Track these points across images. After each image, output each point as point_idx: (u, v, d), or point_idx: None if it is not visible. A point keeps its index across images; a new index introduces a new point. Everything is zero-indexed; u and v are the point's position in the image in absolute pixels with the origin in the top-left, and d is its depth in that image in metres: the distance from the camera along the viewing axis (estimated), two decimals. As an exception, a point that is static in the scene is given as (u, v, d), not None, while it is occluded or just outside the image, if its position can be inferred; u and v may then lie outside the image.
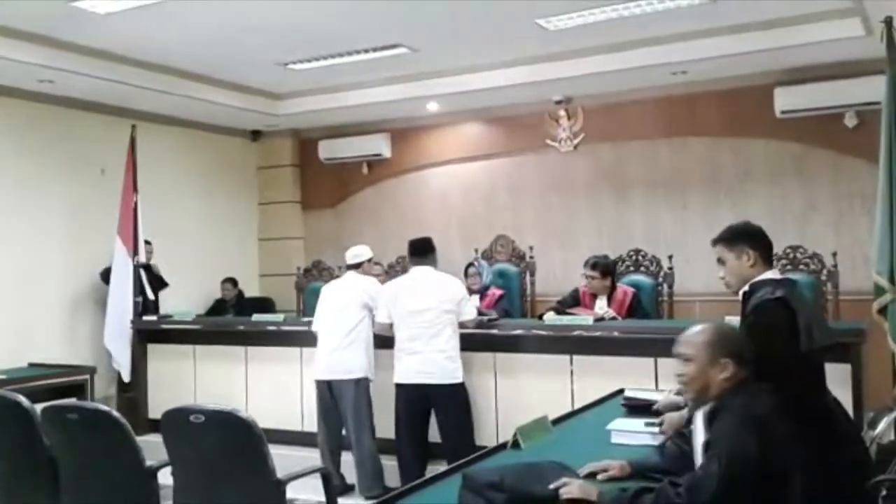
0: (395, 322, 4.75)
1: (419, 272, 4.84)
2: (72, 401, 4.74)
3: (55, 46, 5.83)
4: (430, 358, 4.61)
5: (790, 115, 6.55)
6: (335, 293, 5.15)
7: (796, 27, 5.72)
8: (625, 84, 6.92)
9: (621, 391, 3.56)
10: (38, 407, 3.62)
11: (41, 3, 5.08)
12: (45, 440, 3.56)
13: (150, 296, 6.68)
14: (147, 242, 6.92)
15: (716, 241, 2.79)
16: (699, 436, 2.22)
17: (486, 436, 4.78)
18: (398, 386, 4.71)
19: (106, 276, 6.71)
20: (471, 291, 5.84)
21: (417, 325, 4.65)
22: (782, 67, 6.46)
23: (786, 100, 6.52)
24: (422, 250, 4.90)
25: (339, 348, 4.95)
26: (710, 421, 2.18)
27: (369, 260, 5.28)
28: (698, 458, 2.17)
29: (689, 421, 2.37)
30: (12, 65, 5.78)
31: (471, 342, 4.96)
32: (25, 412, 3.63)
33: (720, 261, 2.76)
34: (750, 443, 2.02)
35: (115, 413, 3.29)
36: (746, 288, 2.64)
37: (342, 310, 5.03)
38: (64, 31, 5.68)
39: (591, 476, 2.27)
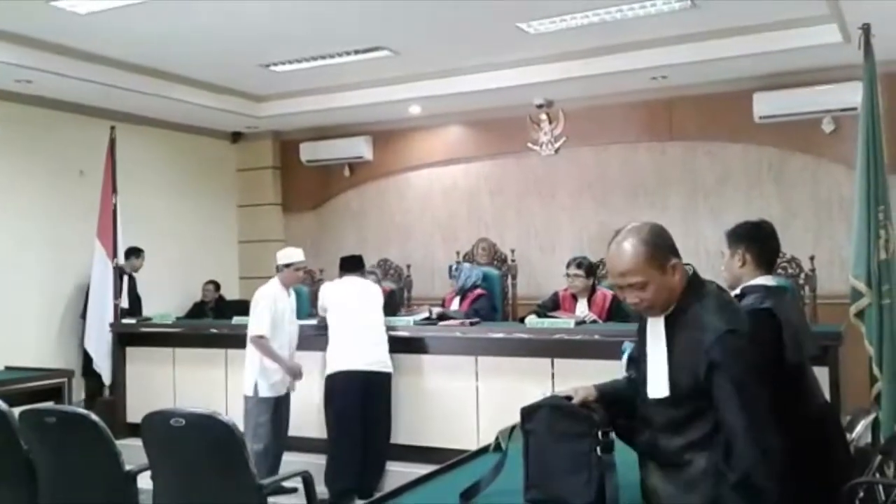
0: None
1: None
2: (49, 404, 4.68)
3: (34, 46, 5.78)
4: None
5: (768, 121, 6.62)
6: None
7: (775, 33, 5.78)
8: (605, 88, 6.96)
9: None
10: (16, 410, 3.59)
11: (20, 2, 5.02)
12: (23, 444, 3.52)
13: (125, 304, 6.61)
14: (137, 251, 6.91)
15: (725, 235, 2.83)
16: (657, 342, 2.10)
17: (467, 440, 4.77)
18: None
19: None
20: (456, 292, 5.90)
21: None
22: (761, 73, 6.53)
23: (764, 105, 6.59)
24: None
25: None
26: (671, 325, 2.07)
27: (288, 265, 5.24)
28: (654, 366, 2.07)
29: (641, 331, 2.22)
30: (-10, 64, 5.72)
31: (453, 346, 4.96)
32: (2, 415, 3.59)
33: (723, 253, 2.79)
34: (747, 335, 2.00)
35: (94, 416, 3.26)
36: (738, 291, 2.66)
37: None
38: (43, 31, 5.62)
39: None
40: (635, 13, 5.49)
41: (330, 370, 5.03)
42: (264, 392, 4.96)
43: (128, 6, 5.07)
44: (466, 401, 5.03)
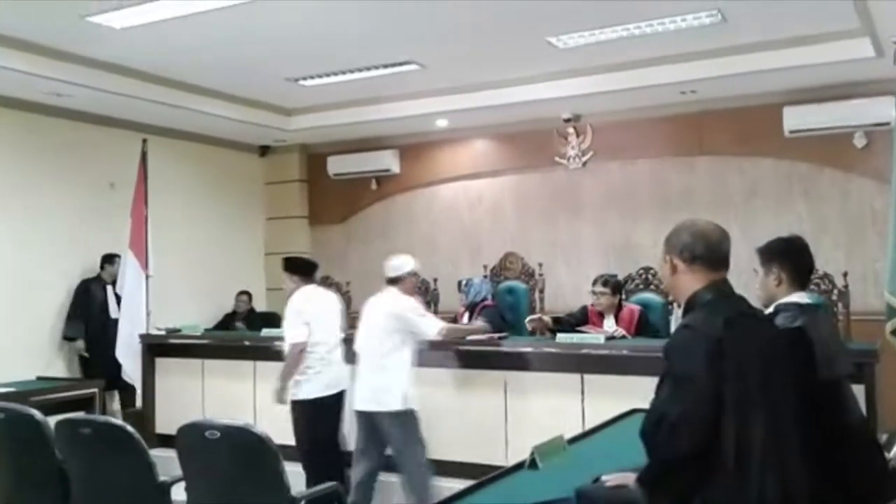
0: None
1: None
2: (82, 414, 4.72)
3: (69, 60, 5.87)
4: None
5: (799, 135, 6.57)
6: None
7: (806, 47, 5.75)
8: (634, 102, 6.95)
9: (634, 411, 3.55)
10: (51, 420, 3.62)
11: (57, 17, 5.11)
12: (58, 453, 3.55)
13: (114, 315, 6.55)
14: (112, 258, 6.82)
15: (757, 252, 2.78)
16: None
17: (496, 455, 4.75)
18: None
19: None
20: (466, 307, 5.86)
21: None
22: (791, 87, 6.48)
23: (794, 119, 6.54)
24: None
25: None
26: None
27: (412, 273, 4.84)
28: None
29: None
30: (25, 77, 5.81)
31: (479, 360, 4.94)
32: (38, 425, 3.63)
33: (756, 272, 2.76)
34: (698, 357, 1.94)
35: (130, 428, 3.28)
36: (771, 309, 2.63)
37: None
38: (79, 46, 5.71)
39: None
40: (665, 27, 5.49)
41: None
42: (412, 403, 4.54)
43: (162, 21, 5.14)
44: (495, 416, 5.00)
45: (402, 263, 4.76)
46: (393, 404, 4.45)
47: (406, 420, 4.47)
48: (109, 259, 6.87)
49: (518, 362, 5.02)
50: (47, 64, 5.78)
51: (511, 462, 3.29)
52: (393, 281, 4.72)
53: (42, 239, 6.70)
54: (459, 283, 6.15)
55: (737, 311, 2.05)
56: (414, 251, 8.19)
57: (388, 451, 4.59)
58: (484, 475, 2.69)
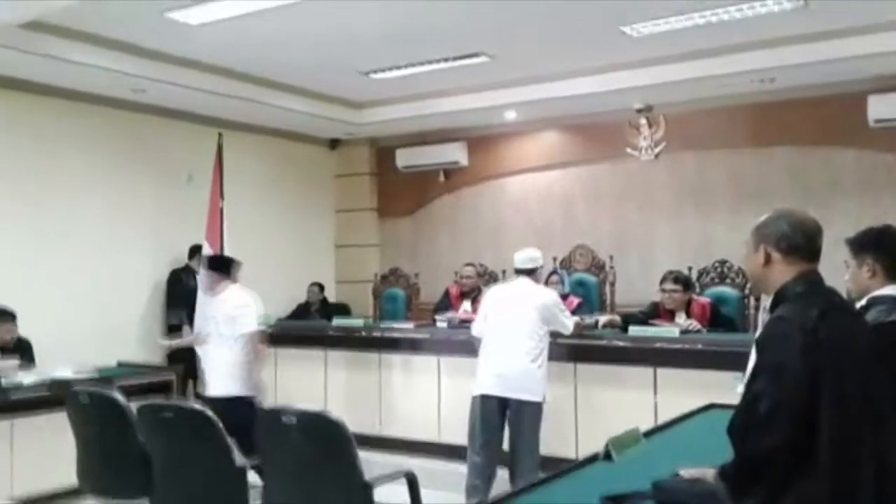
0: None
1: None
2: (162, 399, 4.85)
3: (149, 56, 6.04)
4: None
5: (884, 125, 6.31)
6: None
7: (892, 33, 5.52)
8: (709, 91, 6.78)
9: (711, 406, 3.47)
10: (133, 405, 3.74)
11: (136, 14, 5.26)
12: (140, 436, 3.67)
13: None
14: (199, 249, 6.63)
15: (847, 243, 2.69)
16: None
17: (566, 448, 4.72)
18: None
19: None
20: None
21: None
22: (876, 74, 6.23)
23: (880, 108, 6.29)
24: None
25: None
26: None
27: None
28: None
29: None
30: (110, 74, 6.00)
31: (551, 352, 4.91)
32: (122, 409, 3.76)
33: (847, 264, 2.67)
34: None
35: (210, 412, 3.37)
36: (864, 302, 2.53)
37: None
38: (157, 42, 5.87)
39: None
40: (743, 14, 5.34)
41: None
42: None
43: (237, 17, 5.25)
44: (565, 408, 4.96)
45: (536, 255, 4.78)
46: (539, 394, 4.50)
47: (540, 410, 4.52)
48: (198, 249, 7.05)
49: (589, 355, 4.97)
50: (130, 61, 5.96)
51: (581, 455, 3.27)
52: (527, 272, 4.72)
53: (126, 231, 6.93)
54: (549, 274, 6.05)
55: (830, 303, 1.98)
56: (482, 243, 8.30)
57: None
58: (555, 467, 2.67)
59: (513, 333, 4.55)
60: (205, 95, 6.69)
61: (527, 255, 4.76)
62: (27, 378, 4.81)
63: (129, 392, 4.45)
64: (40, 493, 4.56)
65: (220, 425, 3.32)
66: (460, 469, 4.72)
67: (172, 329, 6.90)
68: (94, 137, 6.79)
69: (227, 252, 6.58)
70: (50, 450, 4.45)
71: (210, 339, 4.87)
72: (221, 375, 4.74)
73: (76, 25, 5.48)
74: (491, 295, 4.89)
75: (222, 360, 4.74)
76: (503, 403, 4.51)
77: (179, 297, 6.94)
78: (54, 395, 4.47)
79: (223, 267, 5.00)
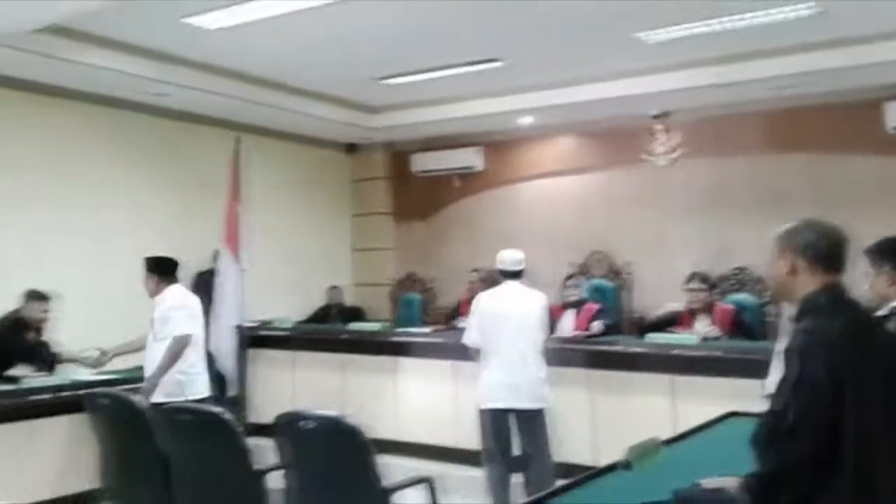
0: None
1: None
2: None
3: (167, 61, 6.08)
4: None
5: (903, 131, 6.29)
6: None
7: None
8: (725, 98, 6.77)
9: (732, 414, 3.46)
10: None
11: (153, 19, 5.30)
12: (158, 440, 3.70)
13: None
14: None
15: (865, 252, 2.68)
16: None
17: (582, 454, 4.71)
18: None
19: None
20: (567, 305, 5.80)
21: None
22: (893, 82, 6.20)
23: (897, 115, 6.27)
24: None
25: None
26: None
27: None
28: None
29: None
30: (128, 78, 6.05)
31: (564, 358, 4.92)
32: (140, 412, 3.80)
33: (867, 273, 2.66)
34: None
35: (227, 416, 3.40)
36: (885, 311, 2.53)
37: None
38: (175, 46, 5.91)
39: None
40: (760, 21, 5.33)
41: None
42: None
43: (252, 22, 5.27)
44: (580, 416, 4.96)
45: (522, 257, 4.63)
46: (547, 399, 4.46)
47: (546, 414, 4.48)
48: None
49: (605, 361, 4.97)
50: (147, 65, 6.01)
51: (598, 463, 3.26)
52: (515, 275, 4.58)
53: (146, 233, 6.96)
54: (565, 279, 6.06)
55: (852, 316, 1.98)
56: (497, 248, 8.20)
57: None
58: (570, 474, 2.67)
59: (517, 343, 4.45)
60: (223, 100, 6.74)
61: (515, 257, 4.60)
62: (47, 381, 4.85)
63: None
64: (60, 496, 4.56)
65: (240, 429, 3.34)
66: (475, 474, 4.73)
67: None
68: (115, 140, 6.83)
69: (245, 255, 6.62)
70: (70, 453, 4.48)
71: (147, 342, 4.74)
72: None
73: (96, 30, 5.52)
74: (483, 302, 4.64)
75: (154, 363, 4.61)
76: (510, 411, 4.49)
77: (205, 299, 6.94)
78: (74, 398, 4.48)
79: (163, 268, 4.86)
